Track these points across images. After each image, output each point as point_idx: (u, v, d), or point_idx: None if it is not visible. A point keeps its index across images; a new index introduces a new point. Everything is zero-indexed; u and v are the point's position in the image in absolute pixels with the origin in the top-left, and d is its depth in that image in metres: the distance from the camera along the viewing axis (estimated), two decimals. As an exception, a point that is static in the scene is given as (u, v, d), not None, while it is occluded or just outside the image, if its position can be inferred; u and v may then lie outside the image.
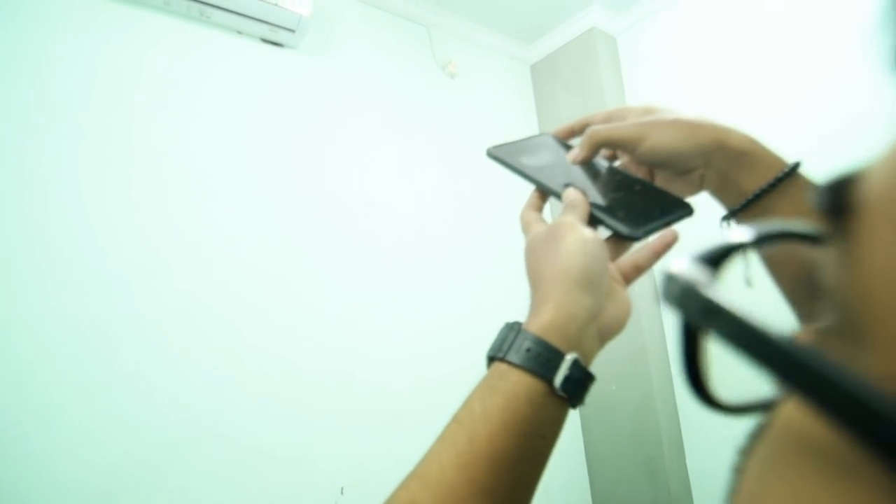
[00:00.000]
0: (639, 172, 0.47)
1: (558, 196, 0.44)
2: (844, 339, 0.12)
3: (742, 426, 0.16)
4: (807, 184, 0.38)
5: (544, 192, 0.46)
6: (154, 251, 1.19)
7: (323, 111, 1.54)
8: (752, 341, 0.12)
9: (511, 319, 0.38)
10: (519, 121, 2.10)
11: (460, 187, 1.81)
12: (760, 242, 0.16)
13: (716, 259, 0.15)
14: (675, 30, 1.91)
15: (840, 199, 0.12)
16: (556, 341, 0.35)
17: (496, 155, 0.51)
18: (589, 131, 0.44)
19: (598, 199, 0.43)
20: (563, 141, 0.53)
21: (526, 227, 0.44)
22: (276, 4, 1.36)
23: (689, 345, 0.15)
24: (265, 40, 1.47)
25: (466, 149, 1.87)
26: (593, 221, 0.42)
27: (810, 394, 0.10)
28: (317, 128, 1.52)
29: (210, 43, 1.37)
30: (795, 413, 0.13)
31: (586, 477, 1.88)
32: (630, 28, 2.04)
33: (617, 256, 0.43)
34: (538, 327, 0.35)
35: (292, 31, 1.45)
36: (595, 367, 0.38)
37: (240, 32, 1.42)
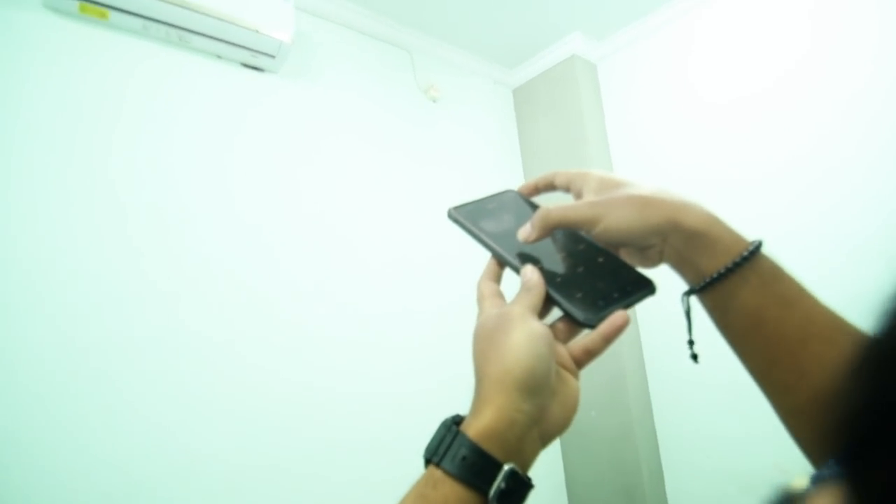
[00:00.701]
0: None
1: (516, 270, 0.43)
2: None
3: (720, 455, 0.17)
4: (769, 265, 0.38)
5: (502, 263, 0.45)
6: (143, 275, 1.18)
7: (304, 135, 1.54)
8: None
9: (449, 414, 0.37)
10: (501, 144, 2.11)
11: (443, 210, 1.81)
12: None
13: None
14: (653, 58, 1.95)
15: None
16: (493, 449, 0.34)
17: (457, 217, 0.49)
18: (541, 213, 0.42)
19: (556, 275, 0.42)
20: (528, 199, 0.51)
21: (479, 301, 0.43)
22: (256, 31, 1.37)
23: None
24: (245, 65, 1.47)
25: (449, 171, 1.88)
26: (549, 301, 0.41)
27: None
28: (298, 151, 1.51)
29: (190, 67, 1.37)
30: None
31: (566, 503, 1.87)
32: (610, 56, 2.08)
33: (570, 338, 0.42)
34: (476, 432, 0.34)
35: (272, 56, 1.45)
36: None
37: (220, 57, 1.42)
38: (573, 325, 0.40)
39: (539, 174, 0.50)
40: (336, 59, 1.68)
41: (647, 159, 1.94)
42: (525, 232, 0.43)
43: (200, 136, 1.35)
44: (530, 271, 0.41)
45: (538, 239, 0.43)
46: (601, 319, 0.39)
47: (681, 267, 0.41)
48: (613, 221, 0.39)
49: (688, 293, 0.41)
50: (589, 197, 0.43)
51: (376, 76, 1.77)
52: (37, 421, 1.01)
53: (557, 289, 0.41)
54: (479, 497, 0.33)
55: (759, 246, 0.38)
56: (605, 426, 1.80)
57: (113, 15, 1.24)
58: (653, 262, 0.42)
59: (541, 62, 2.11)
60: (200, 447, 1.18)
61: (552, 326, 0.41)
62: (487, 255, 0.46)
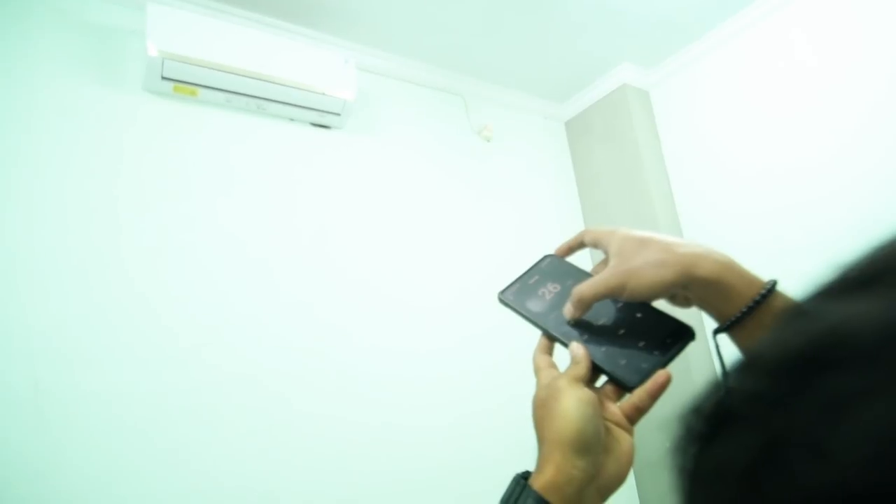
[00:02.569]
0: None
1: (564, 345, 0.48)
2: None
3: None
4: (785, 302, 0.40)
5: (552, 340, 0.50)
6: (212, 329, 1.29)
7: (367, 184, 1.65)
8: None
9: (521, 470, 0.42)
10: (556, 177, 2.15)
11: (501, 245, 1.86)
12: None
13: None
14: (705, 82, 1.94)
15: None
16: (555, 501, 0.38)
17: (505, 301, 0.55)
18: (576, 294, 0.47)
19: (601, 343, 0.47)
20: (565, 260, 0.56)
21: (536, 373, 0.48)
22: (322, 93, 1.50)
23: None
24: (315, 124, 1.60)
25: (506, 208, 1.93)
26: (596, 369, 0.46)
27: None
28: (363, 200, 1.62)
29: (267, 131, 1.51)
30: None
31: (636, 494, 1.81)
32: (662, 82, 2.08)
33: (620, 397, 0.46)
34: (540, 485, 0.39)
35: (338, 114, 1.57)
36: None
37: (292, 119, 1.56)
38: (621, 387, 0.45)
39: (606, 221, 0.55)
40: (395, 111, 1.79)
41: (710, 180, 1.91)
42: (568, 312, 0.48)
43: (278, 193, 1.48)
44: (576, 347, 0.47)
45: (580, 316, 0.48)
46: (644, 382, 0.43)
47: (706, 309, 0.45)
48: (636, 286, 0.44)
49: (714, 332, 0.44)
50: (612, 259, 0.47)
51: (432, 122, 1.87)
52: (74, 472, 1.06)
53: (603, 358, 0.46)
54: None
55: (771, 288, 0.41)
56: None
57: (202, 92, 1.40)
58: (684, 306, 0.47)
59: (591, 94, 2.14)
60: (248, 491, 1.24)
61: (602, 389, 0.46)
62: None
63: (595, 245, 0.51)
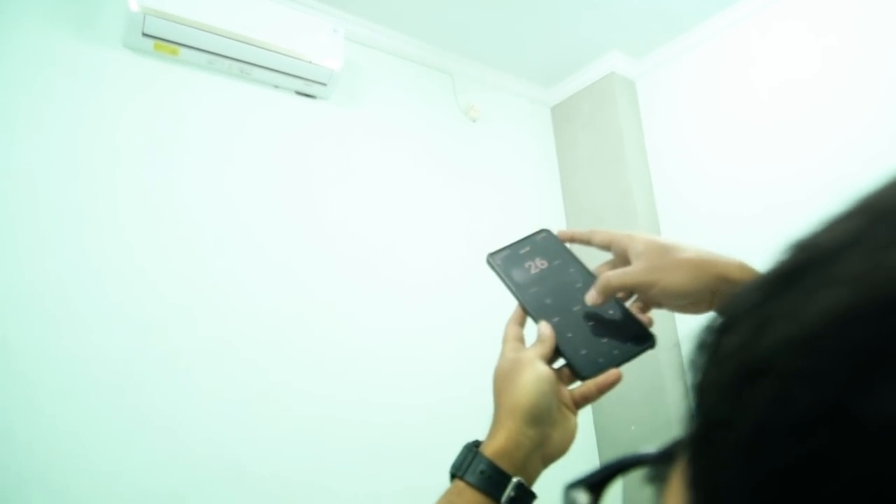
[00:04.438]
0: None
1: (535, 320, 0.51)
2: None
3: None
4: None
5: (526, 313, 0.52)
6: (173, 292, 1.28)
7: (353, 156, 1.63)
8: None
9: (470, 439, 0.46)
10: (540, 161, 2.16)
11: (483, 224, 1.87)
12: (621, 470, 0.23)
13: (596, 483, 0.23)
14: (692, 75, 1.96)
15: (663, 467, 0.18)
16: (504, 465, 0.42)
17: (493, 264, 0.56)
18: (603, 281, 0.48)
19: (568, 329, 0.49)
20: (561, 242, 0.57)
21: (503, 342, 0.51)
22: (309, 62, 1.47)
23: None
24: (300, 93, 1.57)
25: (489, 188, 1.94)
26: (557, 352, 0.48)
27: None
28: (346, 172, 1.60)
29: (250, 97, 1.48)
30: None
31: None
32: (649, 72, 2.10)
33: (572, 382, 0.49)
34: (492, 451, 0.43)
35: (324, 84, 1.55)
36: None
37: (277, 87, 1.53)
38: (574, 375, 0.48)
39: (586, 211, 0.56)
40: (382, 84, 1.77)
41: (684, 175, 1.95)
42: (591, 298, 0.49)
43: (259, 160, 1.45)
44: (545, 327, 0.49)
45: (603, 303, 0.49)
46: (596, 375, 0.46)
47: None
48: (669, 285, 0.46)
49: None
50: (637, 261, 0.48)
51: (419, 99, 1.85)
52: (46, 429, 1.05)
53: (566, 344, 0.49)
54: (493, 503, 0.41)
55: None
56: (645, 440, 1.80)
57: (183, 51, 1.36)
58: (702, 312, 0.48)
59: (578, 80, 2.15)
60: (223, 459, 1.22)
61: (558, 371, 0.48)
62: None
63: (606, 246, 0.52)
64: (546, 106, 2.27)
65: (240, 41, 1.36)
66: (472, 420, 1.57)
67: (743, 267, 0.44)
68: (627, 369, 0.47)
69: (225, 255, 1.34)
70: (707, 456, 0.15)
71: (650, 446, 0.21)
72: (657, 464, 0.19)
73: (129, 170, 1.26)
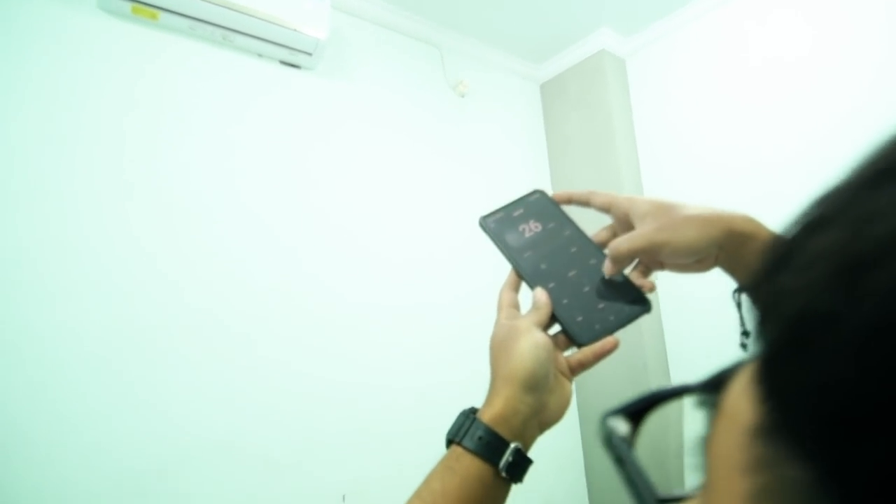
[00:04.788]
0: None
1: (530, 286, 0.50)
2: (702, 493, 0.18)
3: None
4: None
5: (521, 278, 0.51)
6: (161, 264, 1.25)
7: (338, 129, 1.60)
8: (636, 496, 0.18)
9: (467, 406, 0.45)
10: (528, 138, 2.15)
11: (469, 202, 1.86)
12: (663, 399, 0.22)
13: (635, 412, 0.22)
14: (682, 54, 1.95)
15: (712, 396, 0.17)
16: (502, 431, 0.42)
17: (486, 227, 0.54)
18: (614, 250, 0.47)
19: (564, 295, 0.48)
20: (558, 205, 0.55)
21: (498, 309, 0.51)
22: (294, 30, 1.43)
23: (624, 471, 0.21)
24: (284, 62, 1.53)
25: (476, 164, 1.93)
26: (553, 319, 0.48)
27: None
28: (332, 145, 1.58)
29: (233, 65, 1.44)
30: None
31: (585, 489, 1.91)
32: (638, 50, 2.08)
33: (568, 348, 0.49)
34: (489, 417, 0.43)
35: (309, 54, 1.51)
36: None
37: (260, 55, 1.49)
38: (570, 341, 0.48)
39: (575, 188, 0.55)
40: (369, 56, 1.73)
41: (671, 155, 1.95)
42: (607, 269, 0.48)
43: (241, 130, 1.42)
44: (540, 293, 0.49)
45: (617, 273, 0.49)
46: (593, 342, 0.46)
47: (733, 269, 0.46)
48: (679, 243, 0.45)
49: (738, 291, 0.46)
50: (642, 223, 0.47)
51: (407, 72, 1.82)
52: (40, 407, 1.04)
53: (562, 310, 0.48)
54: (491, 468, 0.41)
55: None
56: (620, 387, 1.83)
57: (163, 16, 1.32)
58: (706, 269, 0.48)
59: (569, 57, 2.13)
60: (210, 435, 1.22)
61: (554, 337, 0.48)
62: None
63: (606, 209, 0.51)
64: (535, 83, 2.25)
65: (222, 6, 1.32)
66: (459, 400, 1.60)
67: (748, 219, 0.44)
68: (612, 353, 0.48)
69: (207, 227, 1.32)
70: (801, 359, 0.14)
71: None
72: (704, 392, 0.18)
73: (106, 137, 1.22)
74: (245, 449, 1.26)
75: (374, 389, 1.49)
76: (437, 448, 0.44)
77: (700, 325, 1.78)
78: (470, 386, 1.64)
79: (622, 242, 0.47)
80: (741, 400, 0.15)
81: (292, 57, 1.52)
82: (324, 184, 1.54)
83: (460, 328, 1.71)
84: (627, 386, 1.83)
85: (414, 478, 0.43)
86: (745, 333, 0.47)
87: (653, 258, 0.48)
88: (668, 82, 1.99)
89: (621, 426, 0.21)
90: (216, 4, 1.32)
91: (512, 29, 1.96)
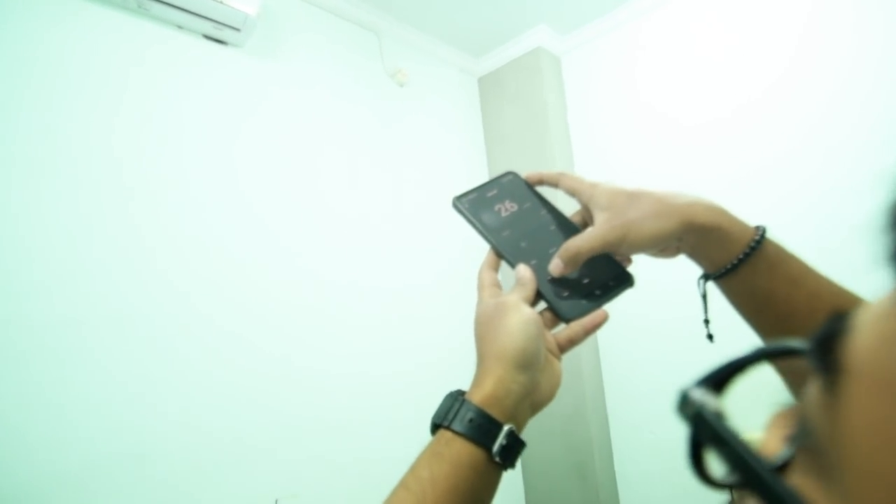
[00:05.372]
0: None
1: (511, 265, 0.48)
2: (815, 461, 0.15)
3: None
4: (774, 249, 0.42)
5: (500, 257, 0.50)
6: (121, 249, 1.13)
7: (268, 111, 1.51)
8: (746, 473, 0.15)
9: (453, 389, 0.42)
10: (465, 131, 2.14)
11: (407, 192, 1.82)
12: (755, 362, 0.19)
13: (720, 381, 0.19)
14: (615, 54, 2.01)
15: (828, 355, 0.14)
16: (494, 413, 0.39)
17: (460, 208, 0.53)
18: (570, 250, 0.45)
19: (546, 274, 0.47)
20: (531, 186, 0.55)
21: (479, 290, 0.48)
22: (220, 2, 1.33)
23: (695, 448, 0.18)
24: (208, 37, 1.42)
25: (414, 155, 1.89)
26: (538, 295, 0.46)
27: None
28: (261, 128, 1.48)
29: (148, 37, 1.31)
30: None
31: (521, 481, 1.93)
32: (573, 50, 2.13)
33: (555, 325, 0.47)
34: (480, 399, 0.40)
35: (238, 29, 1.41)
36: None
37: (181, 27, 1.37)
38: (558, 317, 0.46)
39: (547, 169, 0.55)
40: (302, 37, 1.65)
41: (603, 153, 2.01)
42: (557, 268, 0.46)
43: (155, 108, 1.30)
44: (524, 269, 0.47)
45: (567, 273, 0.47)
46: (581, 317, 0.45)
47: (696, 257, 0.45)
48: (636, 238, 0.44)
49: (704, 278, 0.45)
50: (601, 215, 0.46)
51: (344, 56, 1.75)
52: (28, 400, 1.00)
53: (547, 287, 0.46)
54: (484, 452, 0.38)
55: (763, 233, 0.42)
56: (559, 405, 1.86)
57: (66, -25, 1.17)
58: (671, 256, 0.47)
59: (507, 52, 2.14)
60: (198, 425, 1.20)
61: (540, 315, 0.46)
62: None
63: (572, 193, 0.50)
64: (474, 77, 2.24)
65: (136, -31, 1.20)
66: (417, 394, 1.56)
67: (710, 209, 0.43)
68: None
69: (115, 210, 1.19)
70: None
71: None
72: (814, 352, 0.15)
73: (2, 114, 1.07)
74: (240, 440, 1.25)
75: (312, 373, 1.42)
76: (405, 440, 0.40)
77: (630, 316, 1.84)
78: (425, 375, 1.62)
79: (580, 242, 0.46)
80: (880, 356, 0.13)
81: (218, 32, 1.41)
82: (250, 168, 1.44)
83: (404, 316, 1.68)
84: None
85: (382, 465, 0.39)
86: (706, 322, 0.47)
87: (615, 252, 0.47)
88: (601, 81, 2.04)
89: (709, 400, 0.18)
90: (130, -33, 1.19)
91: (451, 20, 1.94)
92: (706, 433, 0.17)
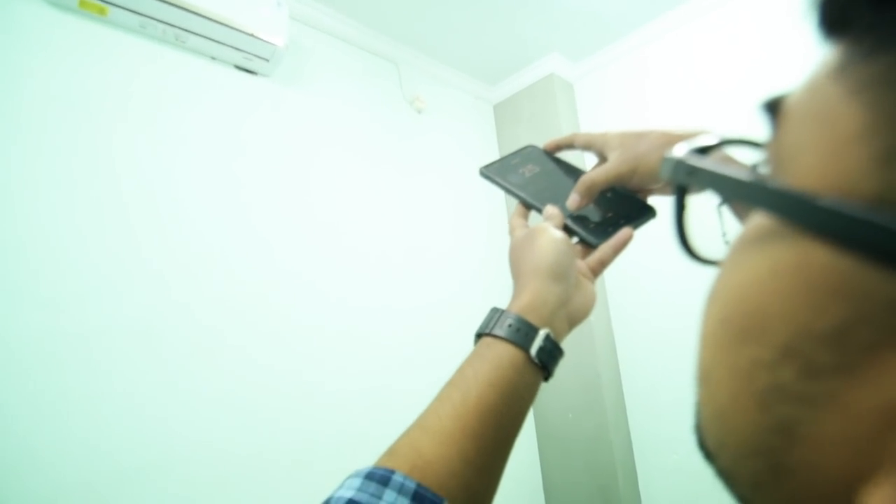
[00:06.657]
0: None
1: (540, 211, 0.52)
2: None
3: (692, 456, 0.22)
4: None
5: (528, 207, 0.54)
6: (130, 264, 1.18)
7: (294, 137, 1.58)
8: (725, 183, 0.18)
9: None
10: (481, 156, 2.19)
11: (426, 215, 1.87)
12: (727, 143, 0.24)
13: (700, 150, 0.22)
14: (624, 79, 2.07)
15: (773, 107, 0.18)
16: (532, 319, 0.43)
17: (487, 174, 0.58)
18: (585, 181, 0.51)
19: (572, 212, 0.52)
20: (550, 153, 0.60)
21: (511, 230, 0.53)
22: (251, 35, 1.42)
23: (679, 209, 0.21)
24: (239, 67, 1.51)
25: (432, 179, 1.94)
26: (567, 230, 0.50)
27: (761, 202, 0.16)
28: (288, 153, 1.55)
29: (185, 67, 1.41)
30: (750, 226, 0.18)
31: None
32: (585, 76, 2.20)
33: (586, 256, 0.51)
34: (518, 308, 0.44)
35: (266, 60, 1.50)
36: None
37: (214, 58, 1.46)
38: (588, 247, 0.50)
39: (563, 135, 0.59)
40: (326, 67, 1.74)
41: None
42: (574, 202, 0.51)
43: (193, 134, 1.38)
44: (551, 207, 0.51)
45: (584, 205, 0.51)
46: (609, 239, 0.49)
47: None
48: (645, 170, 0.48)
49: (721, 203, 0.49)
50: (613, 154, 0.50)
51: (365, 86, 1.83)
52: (25, 408, 1.00)
53: (574, 221, 0.51)
54: (524, 354, 0.41)
55: None
56: (581, 428, 1.84)
57: (112, 11, 1.27)
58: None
59: (521, 79, 2.21)
60: (191, 435, 1.19)
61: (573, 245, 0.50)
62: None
63: (587, 147, 0.55)
64: (489, 103, 2.32)
65: (174, 5, 1.29)
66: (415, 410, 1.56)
67: (710, 135, 0.46)
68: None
69: (161, 227, 1.25)
70: None
71: None
72: (763, 108, 0.18)
73: (50, 139, 1.15)
74: (233, 451, 1.21)
75: (319, 388, 1.43)
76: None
77: (652, 336, 1.83)
78: (425, 394, 1.61)
79: (595, 175, 0.50)
80: (837, 105, 0.15)
81: (248, 62, 1.50)
82: (279, 187, 1.50)
83: (427, 334, 1.69)
84: (582, 398, 1.85)
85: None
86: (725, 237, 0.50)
87: (627, 185, 0.51)
88: (612, 105, 2.10)
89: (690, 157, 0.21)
90: (168, 3, 1.29)
91: (467, 50, 2.03)
92: (684, 172, 0.20)
